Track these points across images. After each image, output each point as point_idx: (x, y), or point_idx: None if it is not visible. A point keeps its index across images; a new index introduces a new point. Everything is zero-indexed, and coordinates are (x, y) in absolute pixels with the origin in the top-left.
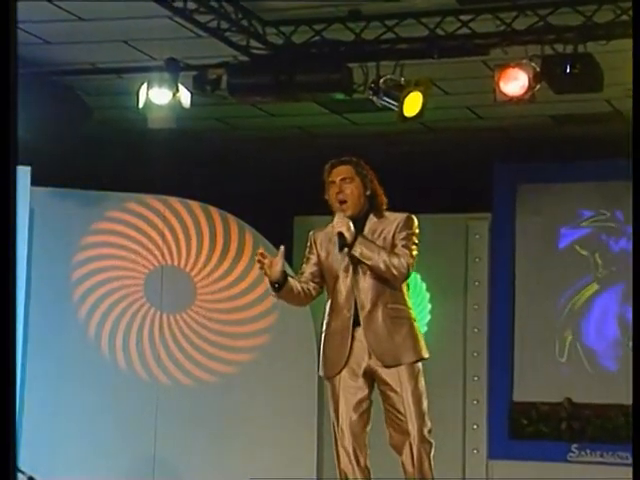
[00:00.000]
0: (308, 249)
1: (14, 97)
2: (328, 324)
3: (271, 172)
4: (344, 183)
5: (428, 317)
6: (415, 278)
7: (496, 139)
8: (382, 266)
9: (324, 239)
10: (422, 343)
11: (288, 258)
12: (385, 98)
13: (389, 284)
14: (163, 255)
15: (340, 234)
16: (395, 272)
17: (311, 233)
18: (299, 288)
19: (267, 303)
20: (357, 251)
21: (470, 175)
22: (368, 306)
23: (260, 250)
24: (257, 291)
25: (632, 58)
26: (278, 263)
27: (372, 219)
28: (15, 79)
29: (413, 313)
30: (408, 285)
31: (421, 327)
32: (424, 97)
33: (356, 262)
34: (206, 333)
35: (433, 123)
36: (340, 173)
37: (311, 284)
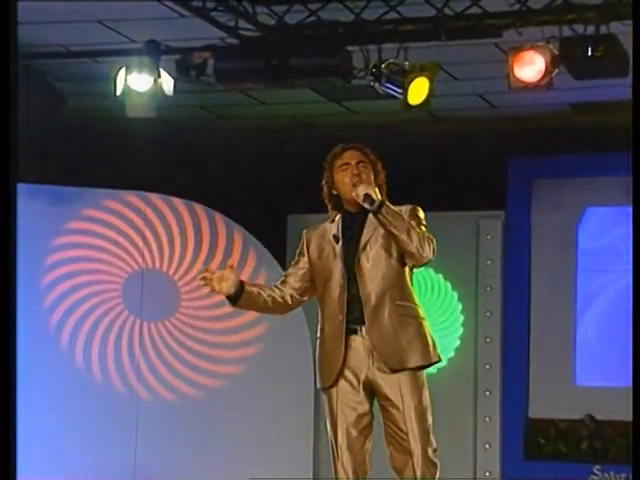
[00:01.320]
0: (299, 249)
1: (14, 97)
2: (322, 329)
3: (262, 166)
4: (360, 167)
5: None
6: (438, 279)
7: (510, 130)
8: (406, 237)
9: (318, 238)
10: (432, 346)
11: (281, 260)
12: (388, 84)
13: (399, 272)
14: (143, 257)
15: (367, 195)
16: (419, 248)
17: (305, 231)
18: (265, 297)
19: None
20: (385, 212)
21: (481, 169)
22: (373, 301)
23: (206, 268)
24: None
25: (632, 57)
26: (229, 277)
27: (372, 216)
28: (15, 79)
29: (422, 311)
30: (412, 281)
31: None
32: (430, 83)
33: (356, 246)
34: (191, 343)
35: (440, 112)
36: (355, 156)
37: (290, 290)
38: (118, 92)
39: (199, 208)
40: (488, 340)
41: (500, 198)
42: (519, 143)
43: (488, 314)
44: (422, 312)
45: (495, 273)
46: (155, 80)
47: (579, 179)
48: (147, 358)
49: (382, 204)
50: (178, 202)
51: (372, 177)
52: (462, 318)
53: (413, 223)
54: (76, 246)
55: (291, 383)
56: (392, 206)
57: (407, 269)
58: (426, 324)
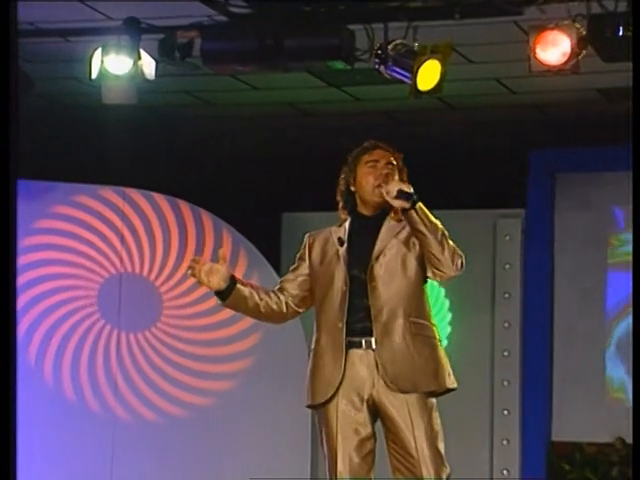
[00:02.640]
0: (300, 253)
1: (14, 97)
2: (317, 340)
3: (255, 158)
4: (388, 168)
5: (446, 338)
6: (438, 291)
7: (531, 119)
8: (437, 243)
9: (322, 241)
10: (448, 371)
11: (275, 261)
12: (394, 68)
13: (417, 285)
14: (121, 260)
15: (400, 191)
16: (449, 258)
17: (308, 235)
18: (257, 300)
19: (250, 319)
20: (419, 209)
21: (499, 162)
22: (385, 315)
23: (194, 257)
24: None
25: (632, 58)
26: (219, 270)
27: (390, 221)
28: (16, 79)
29: (437, 332)
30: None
31: None
32: (443, 67)
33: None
34: (175, 356)
35: (454, 99)
36: (385, 157)
37: (286, 298)
38: (93, 75)
39: (184, 205)
40: (506, 353)
41: (520, 195)
42: (541, 134)
43: (506, 325)
44: (437, 332)
45: (514, 279)
46: (135, 62)
47: (608, 174)
48: (125, 373)
49: (417, 201)
50: (160, 198)
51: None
52: (449, 329)
53: (446, 232)
54: (45, 247)
55: (288, 401)
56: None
57: (424, 283)
58: (441, 346)
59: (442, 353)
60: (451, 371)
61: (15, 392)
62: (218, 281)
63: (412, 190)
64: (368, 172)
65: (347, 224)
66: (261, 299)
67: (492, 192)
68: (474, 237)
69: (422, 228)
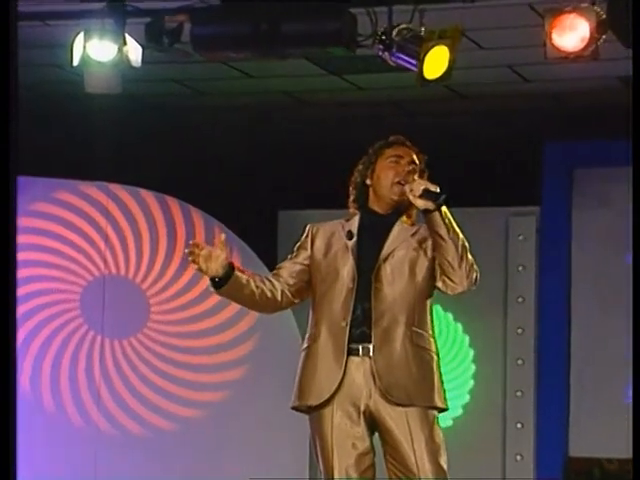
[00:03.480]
0: (301, 242)
1: (14, 97)
2: (313, 337)
3: (249, 152)
4: (411, 167)
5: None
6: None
7: (547, 109)
8: (455, 252)
9: (326, 234)
10: (441, 388)
11: (271, 262)
12: (400, 55)
13: (421, 295)
14: (105, 261)
15: (426, 190)
16: (466, 271)
17: (310, 225)
18: (253, 287)
19: (244, 324)
20: (444, 213)
21: (512, 156)
22: (386, 321)
23: (193, 241)
24: (230, 309)
25: (632, 57)
26: (219, 256)
27: (402, 223)
28: (15, 79)
29: (437, 347)
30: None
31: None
32: (451, 53)
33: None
34: (163, 365)
35: (463, 87)
36: (409, 155)
37: (282, 286)
38: (75, 62)
39: (172, 202)
40: (519, 362)
41: (535, 191)
42: (558, 125)
43: (519, 331)
44: (437, 347)
45: (528, 282)
46: (120, 48)
47: (630, 168)
48: (109, 383)
49: (442, 203)
50: (147, 195)
51: None
52: (471, 353)
53: (467, 244)
54: (23, 248)
55: (285, 415)
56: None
57: (430, 294)
58: (438, 361)
59: (439, 370)
60: (444, 391)
61: (15, 394)
62: (216, 268)
63: (439, 190)
64: (389, 167)
65: (357, 219)
66: (256, 287)
67: (504, 188)
68: (485, 237)
69: (443, 232)
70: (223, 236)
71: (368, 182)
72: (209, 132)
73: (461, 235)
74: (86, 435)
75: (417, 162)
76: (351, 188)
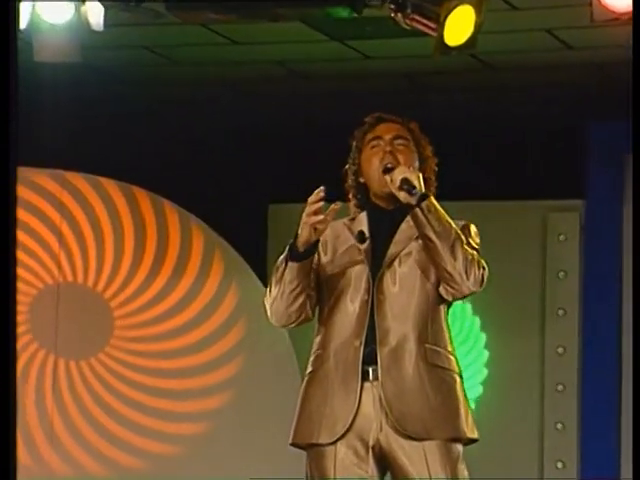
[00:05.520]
0: None
1: (14, 97)
2: (320, 359)
3: (234, 135)
4: (397, 144)
5: (484, 373)
6: (463, 310)
7: (592, 82)
8: (447, 251)
9: (330, 234)
10: (468, 415)
11: (260, 262)
12: (415, 17)
13: (429, 301)
14: (59, 266)
15: (405, 180)
16: (462, 272)
17: None
18: (309, 290)
19: (227, 341)
20: (426, 208)
21: (550, 139)
22: (394, 339)
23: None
24: (211, 322)
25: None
26: (326, 222)
27: (410, 220)
28: (15, 79)
29: (458, 365)
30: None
31: (474, 388)
32: (477, 15)
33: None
34: (130, 391)
35: (492, 56)
36: (390, 130)
37: (309, 296)
38: (23, 25)
39: (141, 194)
40: (560, 388)
41: (578, 182)
42: (606, 102)
43: (560, 350)
44: (458, 365)
45: (570, 291)
46: (77, 8)
47: None
48: (64, 413)
49: (425, 196)
50: (110, 185)
51: (415, 162)
52: (486, 355)
53: (462, 237)
54: None
55: (277, 450)
56: (437, 205)
57: (444, 302)
58: (462, 383)
59: (462, 393)
60: (472, 416)
61: (15, 397)
62: (319, 233)
63: (421, 182)
64: (372, 153)
65: (364, 218)
66: (307, 295)
67: (541, 178)
68: (518, 237)
69: (429, 232)
70: (338, 206)
71: (362, 180)
72: (185, 110)
73: (454, 227)
74: (35, 477)
75: (406, 135)
76: (349, 192)
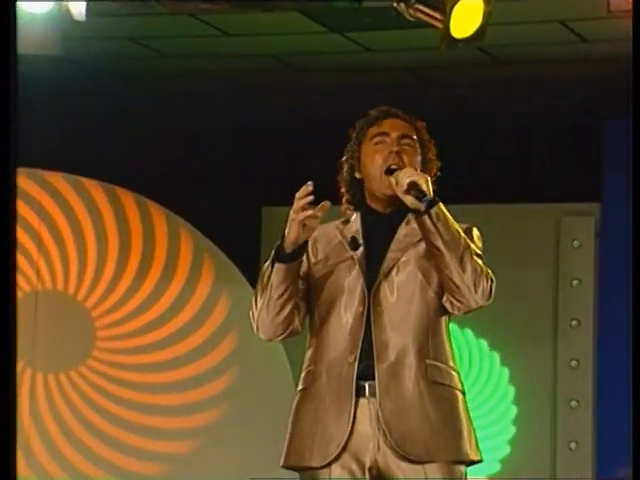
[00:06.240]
0: None
1: (14, 97)
2: (312, 375)
3: (226, 133)
4: (403, 144)
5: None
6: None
7: (608, 76)
8: (456, 263)
9: (322, 239)
10: (472, 435)
11: (253, 268)
12: (420, 6)
13: (434, 312)
14: (38, 272)
15: (413, 184)
16: (471, 285)
17: None
18: (297, 299)
19: (219, 352)
20: (436, 216)
21: (564, 138)
22: (393, 354)
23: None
24: (201, 333)
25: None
26: (316, 220)
27: (411, 222)
28: (15, 80)
29: (461, 381)
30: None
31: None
32: (486, 5)
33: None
34: (113, 407)
35: (501, 49)
36: (398, 127)
37: (297, 306)
38: None
39: (126, 196)
40: (573, 404)
41: (594, 184)
42: (622, 98)
43: (573, 363)
44: (461, 381)
45: (585, 301)
46: None
47: None
48: (43, 430)
49: (434, 203)
50: (92, 185)
51: (418, 165)
52: (512, 392)
53: (472, 247)
54: None
55: (268, 469)
56: (447, 211)
57: (446, 313)
58: (465, 401)
59: (466, 412)
60: (477, 437)
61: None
62: (308, 233)
63: (429, 187)
64: (375, 150)
65: (357, 220)
66: (295, 305)
67: (554, 179)
68: (529, 242)
69: (437, 241)
70: (328, 204)
71: (358, 175)
72: (174, 107)
73: (462, 236)
74: None
75: (413, 135)
76: (341, 187)
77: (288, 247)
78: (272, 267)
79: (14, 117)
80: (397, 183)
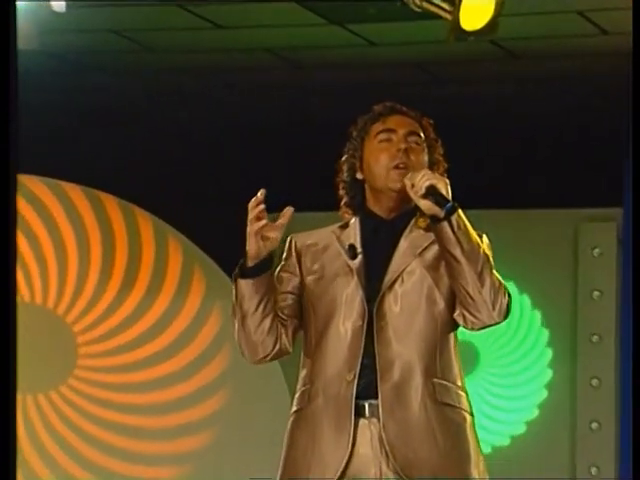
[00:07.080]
0: (284, 263)
1: (14, 98)
2: (307, 396)
3: (219, 134)
4: (411, 141)
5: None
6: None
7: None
8: (474, 275)
9: (313, 249)
10: (480, 459)
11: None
12: None
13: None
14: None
15: (432, 187)
16: (489, 300)
17: (291, 238)
18: (273, 316)
19: (211, 371)
20: (456, 223)
21: (583, 138)
22: (398, 373)
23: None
24: (190, 350)
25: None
26: (279, 229)
27: (415, 228)
28: (15, 80)
29: (469, 401)
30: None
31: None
32: None
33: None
34: (96, 430)
35: (515, 43)
36: (404, 124)
37: (281, 322)
38: None
39: (109, 201)
40: (594, 426)
41: (614, 188)
42: None
43: (595, 382)
44: (469, 402)
45: (606, 314)
46: None
47: None
48: (20, 456)
49: (454, 209)
50: (73, 190)
51: (425, 165)
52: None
53: (491, 260)
54: None
55: None
56: (466, 219)
57: (456, 328)
58: (473, 422)
59: (475, 435)
60: (484, 460)
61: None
62: (271, 246)
63: (448, 191)
64: (380, 149)
65: (356, 225)
66: (273, 320)
67: (573, 182)
68: (546, 250)
69: (455, 250)
70: (290, 209)
71: (359, 176)
72: (163, 104)
73: (482, 247)
74: None
75: (420, 133)
76: (340, 189)
77: (251, 261)
78: (235, 283)
79: (14, 117)
80: (413, 186)
